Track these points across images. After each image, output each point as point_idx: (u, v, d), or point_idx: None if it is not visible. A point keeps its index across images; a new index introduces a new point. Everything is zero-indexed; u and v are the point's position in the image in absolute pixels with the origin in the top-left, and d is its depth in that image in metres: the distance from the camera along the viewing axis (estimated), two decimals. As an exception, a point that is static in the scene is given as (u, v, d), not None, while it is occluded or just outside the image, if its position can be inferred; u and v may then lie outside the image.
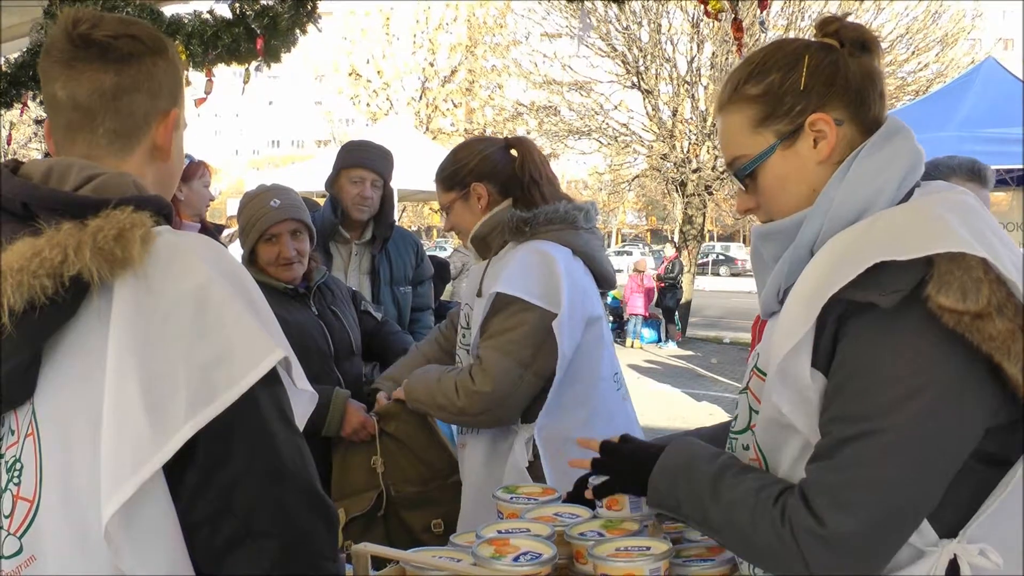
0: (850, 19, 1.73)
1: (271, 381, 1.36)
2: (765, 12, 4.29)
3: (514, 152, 3.02)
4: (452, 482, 3.24)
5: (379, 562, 2.07)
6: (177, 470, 1.30)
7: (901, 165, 1.58)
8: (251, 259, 3.48)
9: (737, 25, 4.07)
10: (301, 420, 1.48)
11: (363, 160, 4.29)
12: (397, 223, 4.59)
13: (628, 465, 1.87)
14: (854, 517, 1.39)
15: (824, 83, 1.63)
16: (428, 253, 4.88)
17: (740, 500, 1.52)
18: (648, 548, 1.87)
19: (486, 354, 2.79)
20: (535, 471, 2.79)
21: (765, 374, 1.61)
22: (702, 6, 3.86)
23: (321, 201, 6.01)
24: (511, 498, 2.31)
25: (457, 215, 3.02)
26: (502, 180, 2.97)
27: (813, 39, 1.72)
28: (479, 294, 2.92)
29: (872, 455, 1.39)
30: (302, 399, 1.50)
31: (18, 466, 1.34)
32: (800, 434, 1.54)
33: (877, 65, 1.69)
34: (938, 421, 1.39)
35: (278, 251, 3.43)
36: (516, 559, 1.88)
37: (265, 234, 3.42)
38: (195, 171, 4.59)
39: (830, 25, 1.70)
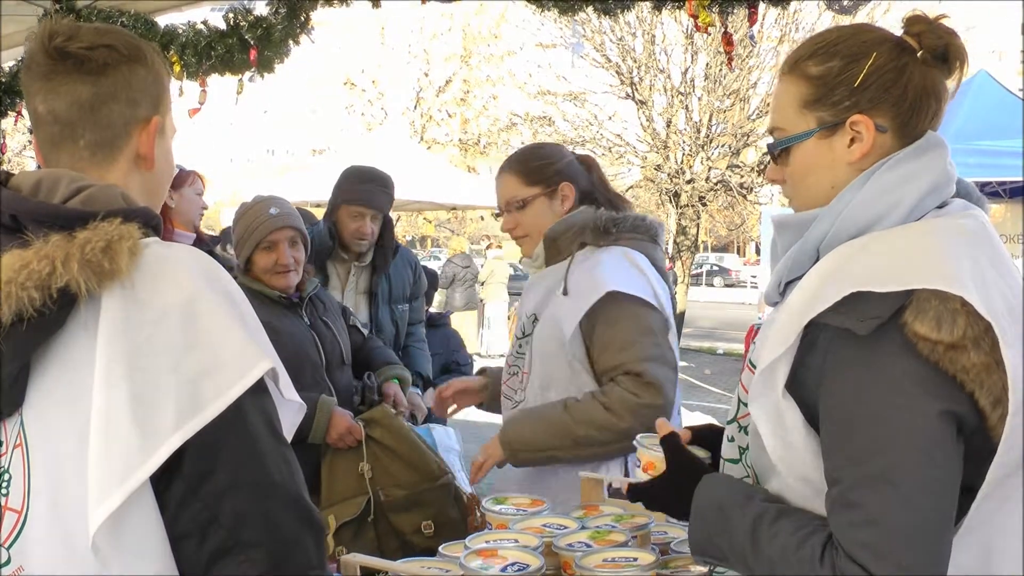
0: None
1: (259, 392, 1.37)
2: (755, 26, 4.31)
3: (581, 165, 2.98)
4: (441, 484, 3.27)
5: (368, 572, 2.07)
6: (164, 481, 1.30)
7: (923, 183, 1.55)
8: (246, 268, 3.49)
9: (727, 39, 4.09)
10: (289, 431, 1.49)
11: (364, 198, 4.22)
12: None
13: (662, 507, 1.82)
14: (901, 567, 1.35)
15: (881, 86, 1.58)
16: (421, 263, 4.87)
17: (781, 559, 1.47)
18: (635, 559, 1.88)
19: (642, 365, 2.65)
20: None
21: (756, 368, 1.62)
22: (693, 19, 3.88)
23: (315, 211, 6.01)
24: (500, 509, 2.32)
25: (535, 212, 2.88)
26: (582, 187, 2.91)
27: (892, 34, 1.65)
28: (565, 292, 2.74)
29: (898, 506, 1.37)
30: (290, 410, 1.51)
31: (6, 477, 1.35)
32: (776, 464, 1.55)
33: (948, 80, 1.63)
34: (940, 454, 1.38)
35: (276, 258, 3.44)
36: (504, 570, 1.89)
37: (264, 242, 3.43)
38: (185, 178, 4.57)
39: (916, 25, 1.62)
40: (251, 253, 3.46)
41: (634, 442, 1.97)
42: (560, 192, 2.86)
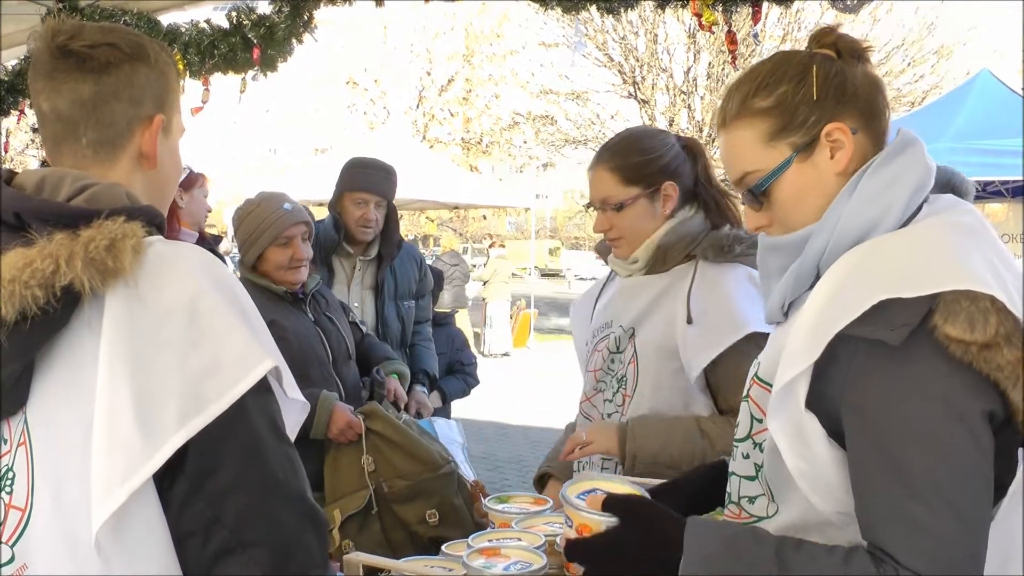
0: (845, 30, 1.71)
1: (262, 390, 1.37)
2: (758, 25, 4.30)
3: (686, 153, 2.65)
4: (443, 473, 3.27)
5: (371, 571, 2.07)
6: (168, 480, 1.30)
7: (910, 181, 1.55)
8: (254, 264, 3.49)
9: (731, 37, 4.08)
10: (292, 429, 1.49)
11: (366, 183, 4.21)
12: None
13: (625, 562, 1.54)
14: (952, 569, 1.33)
15: (836, 93, 1.59)
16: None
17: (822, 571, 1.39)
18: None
19: None
20: None
21: (768, 384, 1.59)
22: (697, 18, 3.88)
23: (317, 210, 6.01)
24: (502, 508, 2.32)
25: (634, 215, 2.57)
26: (686, 184, 2.61)
27: (810, 50, 1.68)
28: (689, 320, 2.46)
29: (950, 517, 1.33)
30: (293, 408, 1.50)
31: (10, 475, 1.35)
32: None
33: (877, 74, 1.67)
34: (980, 458, 1.36)
35: (291, 253, 3.44)
36: (507, 568, 1.89)
37: (280, 237, 3.43)
38: (195, 180, 4.60)
39: (827, 36, 1.66)
40: (263, 250, 3.45)
41: (561, 496, 1.68)
42: (662, 192, 2.57)
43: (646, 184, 2.55)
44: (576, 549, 1.58)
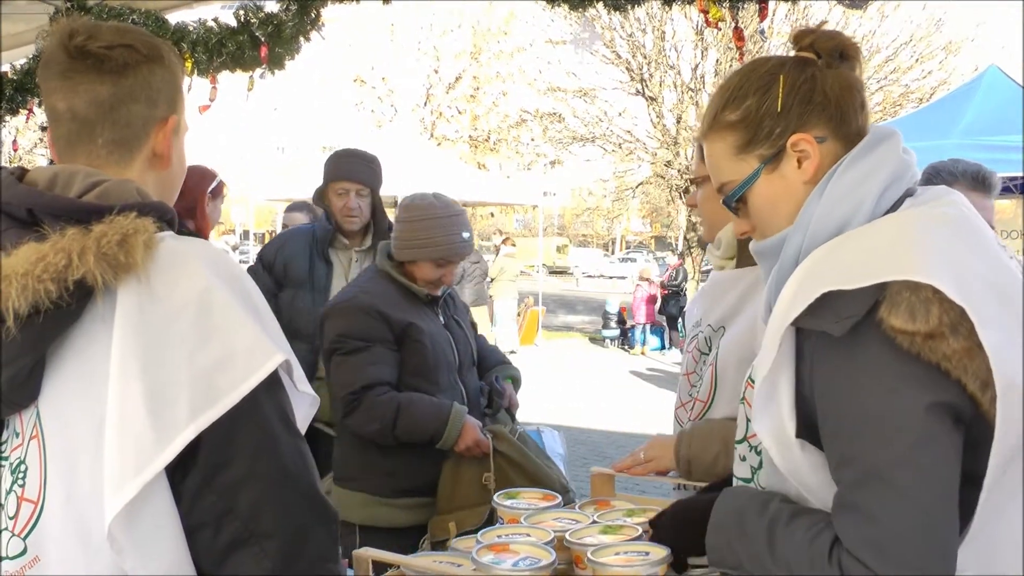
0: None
1: (273, 384, 1.38)
2: (765, 21, 4.30)
3: None
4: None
5: (380, 567, 2.08)
6: (180, 472, 1.31)
7: (881, 177, 1.55)
8: (400, 265, 3.45)
9: (738, 34, 4.08)
10: (303, 423, 1.50)
11: (346, 172, 4.23)
12: None
13: (679, 529, 1.82)
14: (904, 565, 1.35)
15: (801, 102, 1.61)
16: None
17: (795, 559, 1.46)
18: (647, 553, 1.88)
19: None
20: None
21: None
22: (704, 15, 3.87)
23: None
24: (511, 503, 2.32)
25: (711, 194, 2.25)
26: None
27: (786, 55, 1.69)
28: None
29: (894, 503, 1.36)
30: (304, 402, 1.51)
31: (23, 468, 1.36)
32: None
33: (857, 74, 1.67)
34: (933, 446, 1.37)
35: (443, 275, 3.43)
36: (516, 564, 1.89)
37: (442, 260, 3.40)
38: (221, 189, 4.59)
39: (805, 38, 1.67)
40: (421, 260, 3.40)
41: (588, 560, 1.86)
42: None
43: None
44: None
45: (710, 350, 2.44)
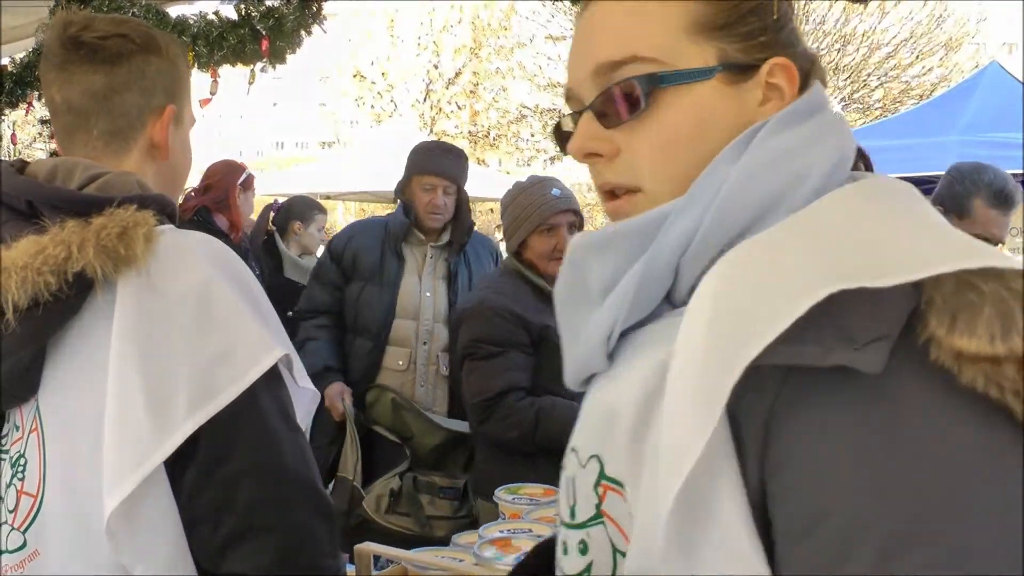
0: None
1: (272, 379, 1.37)
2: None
3: None
4: None
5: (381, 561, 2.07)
6: (179, 467, 1.31)
7: (831, 145, 0.98)
8: (518, 253, 3.32)
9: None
10: (303, 418, 1.49)
11: (434, 167, 3.94)
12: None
13: None
14: None
15: (793, 29, 1.07)
16: None
17: None
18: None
19: None
20: None
21: (620, 486, 0.95)
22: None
23: (326, 204, 6.00)
24: (513, 499, 2.32)
25: None
26: None
27: None
28: None
29: None
30: (304, 397, 1.51)
31: (22, 461, 1.35)
32: None
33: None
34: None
35: (555, 243, 3.23)
36: (518, 559, 1.89)
37: (544, 223, 3.23)
38: (251, 182, 4.60)
39: None
40: (526, 236, 3.26)
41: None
42: None
43: None
44: None
45: None
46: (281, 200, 5.92)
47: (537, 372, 3.13)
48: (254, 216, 5.55)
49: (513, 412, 3.06)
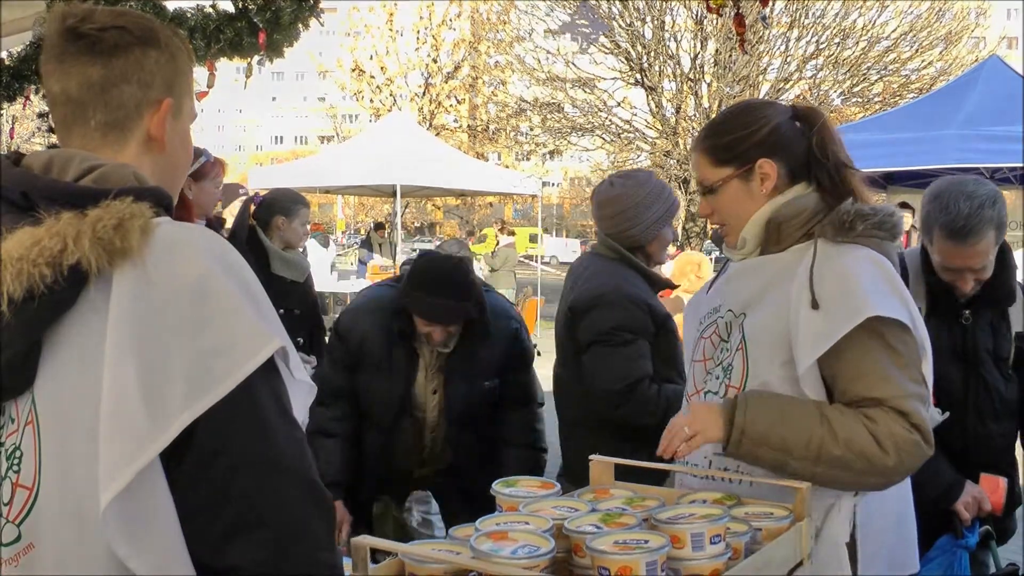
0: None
1: (269, 371, 1.37)
2: (767, 8, 4.29)
3: (800, 125, 2.38)
4: None
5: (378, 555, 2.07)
6: (175, 459, 1.30)
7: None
8: (634, 251, 3.46)
9: (739, 20, 4.07)
10: (300, 411, 1.49)
11: (426, 311, 3.47)
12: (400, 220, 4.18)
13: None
14: None
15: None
16: (426, 248, 4.80)
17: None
18: (646, 541, 1.88)
19: (909, 404, 2.15)
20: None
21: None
22: (705, 2, 3.87)
23: (323, 199, 5.97)
24: (509, 491, 2.31)
25: (729, 198, 2.38)
26: (795, 159, 2.35)
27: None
28: (815, 305, 2.18)
29: None
30: (300, 390, 1.50)
31: (18, 454, 1.35)
32: None
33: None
34: None
35: (669, 235, 3.64)
36: (515, 552, 1.89)
37: (670, 215, 3.54)
38: (208, 171, 4.51)
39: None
40: (663, 229, 3.49)
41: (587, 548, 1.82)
42: (758, 171, 2.34)
43: (738, 163, 2.36)
44: None
45: (730, 337, 2.39)
46: (263, 194, 5.77)
47: (655, 358, 3.32)
48: (229, 212, 5.45)
49: (649, 400, 3.22)
